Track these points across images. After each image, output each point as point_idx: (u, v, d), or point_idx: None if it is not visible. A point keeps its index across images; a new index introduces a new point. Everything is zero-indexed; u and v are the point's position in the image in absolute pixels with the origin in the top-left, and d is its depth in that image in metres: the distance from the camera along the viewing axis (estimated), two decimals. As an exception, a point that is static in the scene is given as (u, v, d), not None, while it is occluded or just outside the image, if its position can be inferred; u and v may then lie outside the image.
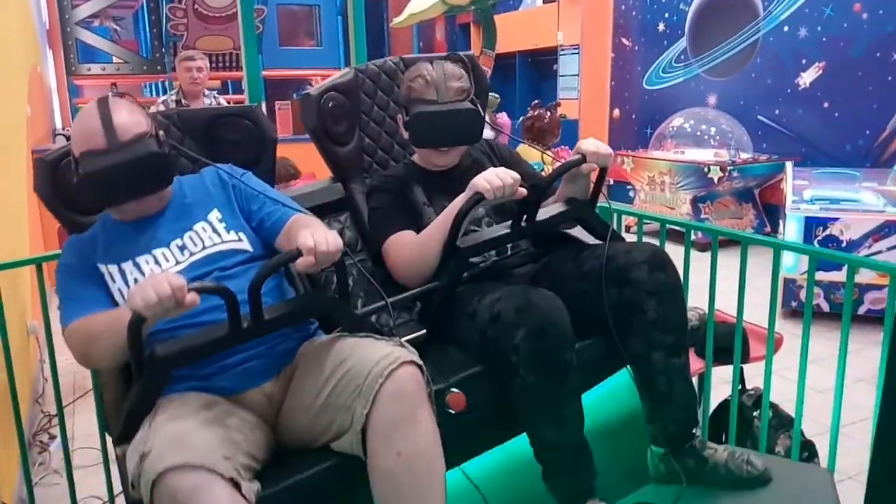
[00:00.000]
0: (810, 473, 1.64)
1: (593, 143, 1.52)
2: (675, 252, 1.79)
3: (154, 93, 7.92)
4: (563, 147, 5.05)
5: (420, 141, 1.67)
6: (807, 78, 5.29)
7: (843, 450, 1.69)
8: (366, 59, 2.71)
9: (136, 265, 1.40)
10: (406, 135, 1.71)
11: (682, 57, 6.35)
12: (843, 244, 3.65)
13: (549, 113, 4.02)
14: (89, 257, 1.42)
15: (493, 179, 1.41)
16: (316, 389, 1.30)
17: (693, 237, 2.02)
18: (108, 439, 2.03)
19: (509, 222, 1.53)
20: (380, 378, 1.20)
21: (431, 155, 1.71)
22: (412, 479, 1.20)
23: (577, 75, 6.92)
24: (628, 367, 1.54)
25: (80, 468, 2.30)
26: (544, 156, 3.53)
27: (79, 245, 1.45)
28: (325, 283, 1.64)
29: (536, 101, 4.21)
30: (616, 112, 7.09)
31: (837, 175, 4.26)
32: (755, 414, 1.86)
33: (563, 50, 7.07)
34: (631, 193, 6.14)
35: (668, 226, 2.08)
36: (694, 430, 1.52)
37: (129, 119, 1.37)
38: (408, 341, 1.39)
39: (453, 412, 1.36)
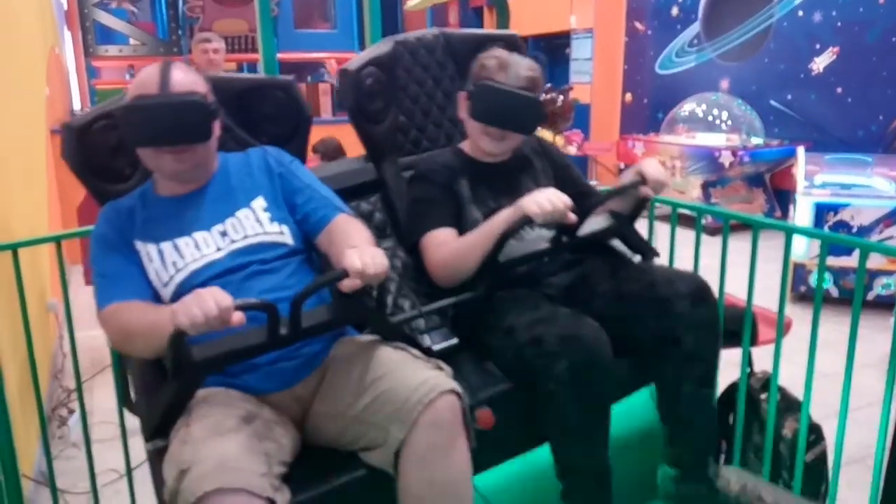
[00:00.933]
0: None
1: (655, 169, 1.48)
2: (685, 236, 1.81)
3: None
4: (575, 130, 5.03)
5: (481, 115, 1.60)
6: (820, 63, 5.24)
7: (849, 434, 1.70)
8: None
9: (176, 248, 1.38)
10: (462, 113, 1.66)
11: (696, 41, 6.30)
12: (854, 230, 3.64)
13: (561, 97, 4.01)
14: (126, 231, 1.40)
15: (544, 204, 1.37)
16: (348, 399, 1.29)
17: (703, 221, 2.03)
18: (126, 414, 2.07)
19: (550, 235, 1.50)
20: (419, 405, 1.20)
21: (484, 140, 1.65)
22: None
23: (590, 59, 6.87)
24: (651, 386, 1.55)
25: (99, 442, 2.34)
26: (556, 138, 3.52)
27: (116, 216, 1.42)
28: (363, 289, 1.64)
29: (549, 85, 4.19)
30: (628, 96, 7.05)
31: (849, 160, 4.24)
32: (763, 397, 1.88)
33: (576, 34, 7.02)
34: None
35: (679, 209, 2.09)
36: (710, 457, 1.53)
37: (185, 78, 1.37)
38: (439, 350, 1.40)
39: (480, 428, 1.35)
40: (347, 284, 1.20)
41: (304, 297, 1.19)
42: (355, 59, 1.78)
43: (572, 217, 1.39)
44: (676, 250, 2.05)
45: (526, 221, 1.39)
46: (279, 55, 5.58)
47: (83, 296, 3.37)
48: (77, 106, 6.31)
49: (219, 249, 1.38)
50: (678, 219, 2.05)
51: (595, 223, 1.56)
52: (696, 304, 1.44)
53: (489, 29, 5.35)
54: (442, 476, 1.20)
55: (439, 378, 1.25)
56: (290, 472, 1.22)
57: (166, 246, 1.38)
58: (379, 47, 1.81)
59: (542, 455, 1.48)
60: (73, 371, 1.92)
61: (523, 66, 1.62)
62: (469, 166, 1.69)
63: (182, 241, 1.38)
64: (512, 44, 1.90)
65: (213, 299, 1.08)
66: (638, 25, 6.88)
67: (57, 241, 1.91)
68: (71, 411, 2.59)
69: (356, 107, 1.74)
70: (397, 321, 1.46)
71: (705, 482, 1.51)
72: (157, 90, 1.32)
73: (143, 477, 2.17)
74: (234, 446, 1.13)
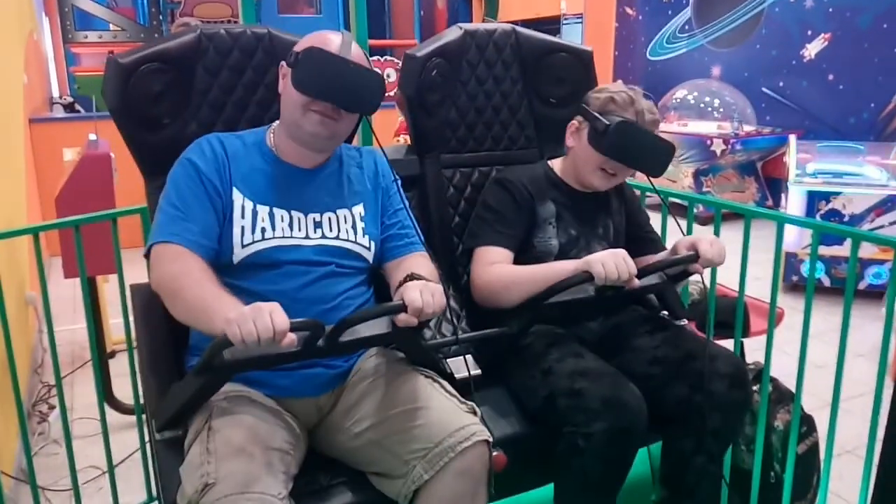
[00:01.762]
0: None
1: (711, 249, 1.41)
2: (677, 225, 1.77)
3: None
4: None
5: (613, 151, 1.52)
6: (812, 49, 5.23)
7: (841, 424, 1.69)
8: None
9: (271, 215, 1.33)
10: (574, 140, 1.60)
11: (687, 27, 6.26)
12: (846, 218, 3.64)
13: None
14: (227, 173, 1.33)
15: (611, 268, 1.32)
16: (370, 422, 1.27)
17: (695, 210, 2.01)
18: (108, 409, 2.04)
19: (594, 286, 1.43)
20: (451, 452, 1.18)
21: (596, 175, 1.58)
22: None
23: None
24: (648, 448, 1.57)
25: (80, 438, 2.31)
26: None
27: (221, 151, 1.35)
28: None
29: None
30: (619, 83, 7.01)
31: (841, 149, 4.23)
32: (755, 388, 1.86)
33: (565, 19, 6.96)
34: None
35: (670, 199, 2.06)
36: None
37: (360, 52, 1.37)
38: (462, 379, 1.37)
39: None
40: (403, 319, 1.17)
41: (357, 320, 1.16)
42: (422, 46, 1.74)
43: (636, 283, 1.36)
44: (667, 240, 2.02)
45: (588, 279, 1.36)
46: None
47: (62, 289, 3.33)
48: (56, 93, 6.22)
49: (307, 238, 1.35)
50: (669, 208, 2.02)
51: (644, 281, 1.52)
52: (732, 386, 1.43)
53: (496, 21, 5.29)
54: None
55: (475, 426, 1.22)
56: (296, 479, 1.21)
57: (262, 209, 1.33)
58: (448, 35, 1.76)
59: (539, 497, 1.47)
60: (52, 366, 1.87)
61: (647, 108, 1.58)
62: (558, 188, 1.65)
63: (279, 213, 1.34)
64: (587, 60, 1.92)
65: (272, 318, 1.03)
66: (628, 11, 6.83)
67: (35, 232, 1.87)
68: (51, 407, 2.55)
69: (416, 96, 1.69)
70: (432, 346, 1.43)
71: None
72: (337, 49, 1.31)
73: (126, 473, 2.15)
74: (258, 468, 1.11)
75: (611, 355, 1.50)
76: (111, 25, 6.93)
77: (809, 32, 5.21)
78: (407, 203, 1.49)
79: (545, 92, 1.89)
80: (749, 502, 1.80)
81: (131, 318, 1.89)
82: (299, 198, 1.37)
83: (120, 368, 2.45)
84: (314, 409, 1.34)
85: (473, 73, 1.79)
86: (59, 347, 1.87)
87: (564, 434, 1.34)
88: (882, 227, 3.61)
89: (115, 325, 2.93)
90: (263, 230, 1.32)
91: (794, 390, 1.76)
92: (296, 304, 1.20)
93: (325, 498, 1.23)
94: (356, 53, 1.34)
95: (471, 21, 8.21)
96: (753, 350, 1.94)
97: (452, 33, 1.76)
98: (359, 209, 1.42)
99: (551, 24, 7.23)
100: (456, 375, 1.42)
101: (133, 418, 2.29)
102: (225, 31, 1.52)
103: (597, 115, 1.55)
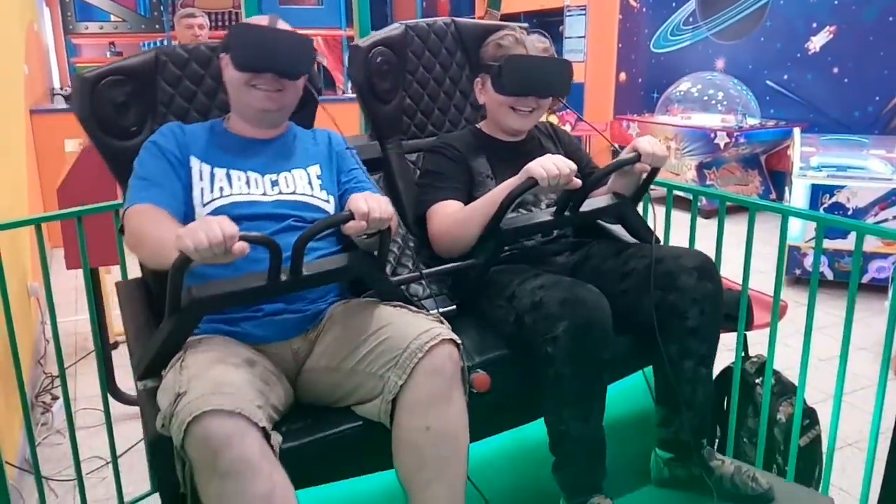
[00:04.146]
0: (813, 499, 1.63)
1: (650, 143, 1.48)
2: (680, 218, 1.78)
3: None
4: (568, 111, 4.95)
5: (513, 87, 1.63)
6: (817, 42, 5.20)
7: (843, 417, 1.69)
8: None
9: (228, 176, 1.42)
10: (482, 96, 1.72)
11: (691, 19, 6.23)
12: (850, 212, 3.62)
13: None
14: (185, 147, 1.44)
15: (550, 167, 1.36)
16: (345, 352, 1.31)
17: (699, 203, 2.00)
18: (111, 400, 2.04)
19: (553, 209, 1.50)
20: (419, 353, 1.21)
21: (511, 117, 1.67)
22: (437, 455, 1.21)
23: (584, 37, 6.79)
24: (643, 371, 1.54)
25: (83, 428, 2.32)
26: (550, 118, 3.48)
27: (179, 131, 1.47)
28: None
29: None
30: (623, 76, 6.98)
31: (845, 142, 4.21)
32: (757, 381, 1.86)
33: (569, 11, 6.93)
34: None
35: (674, 192, 2.05)
36: (704, 440, 1.52)
37: (288, 25, 1.49)
38: (434, 315, 1.37)
39: (476, 391, 1.35)
40: (353, 226, 1.20)
41: (307, 238, 1.18)
42: (366, 38, 1.85)
43: (577, 182, 1.39)
44: (671, 234, 2.01)
45: (531, 185, 1.39)
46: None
47: (65, 280, 3.33)
48: (57, 84, 6.21)
49: (265, 194, 1.42)
50: (673, 201, 2.02)
51: (598, 202, 1.57)
52: (701, 277, 1.44)
53: (500, 12, 5.28)
54: (439, 424, 1.21)
55: (440, 328, 1.26)
56: (281, 422, 1.23)
57: (219, 171, 1.43)
58: (389, 29, 1.87)
59: (533, 432, 1.47)
60: (55, 357, 1.88)
61: (536, 39, 1.69)
62: (488, 144, 1.72)
63: (235, 174, 1.43)
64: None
65: (219, 225, 1.07)
66: (632, 2, 6.80)
67: (37, 223, 1.87)
68: (55, 398, 2.56)
69: (366, 83, 1.79)
70: (398, 282, 1.48)
71: (700, 464, 1.49)
72: (266, 22, 1.44)
73: (129, 463, 2.16)
74: (234, 376, 1.14)
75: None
76: (112, 16, 6.90)
77: (814, 25, 5.18)
78: (364, 169, 1.59)
79: None
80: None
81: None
82: (254, 161, 1.46)
83: (123, 359, 2.44)
84: (290, 354, 1.37)
85: (419, 63, 1.90)
86: (61, 338, 1.88)
87: (535, 348, 1.35)
88: (886, 220, 3.59)
89: (118, 316, 2.92)
90: (221, 189, 1.40)
91: (796, 383, 1.76)
92: (263, 261, 1.23)
93: (311, 429, 1.26)
94: (283, 25, 1.47)
95: (473, 13, 8.19)
96: (756, 343, 1.94)
97: (393, 28, 1.88)
98: (314, 169, 1.51)
99: (555, 15, 7.20)
100: (429, 311, 1.45)
101: (136, 409, 2.30)
102: (181, 49, 1.66)
103: (490, 63, 1.66)
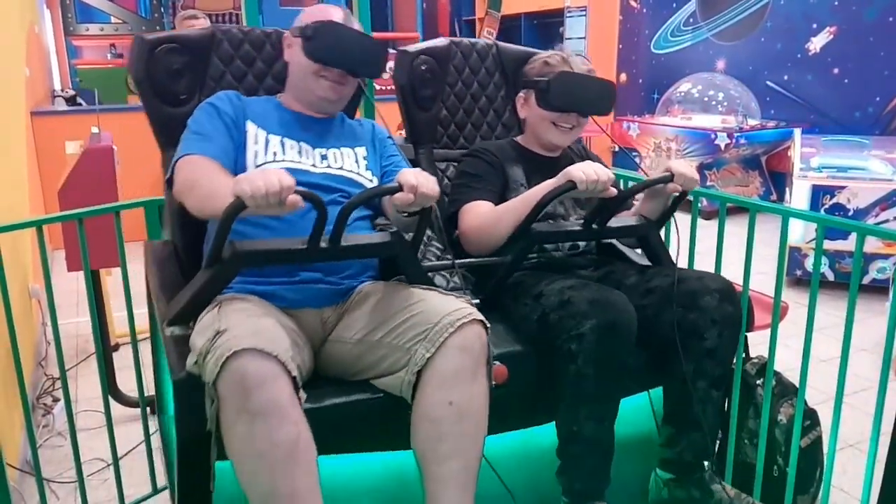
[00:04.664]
0: None
1: (683, 166, 1.53)
2: (680, 220, 1.77)
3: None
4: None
5: (560, 103, 1.68)
6: (817, 43, 5.20)
7: (844, 418, 1.69)
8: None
9: (282, 143, 1.49)
10: (524, 111, 1.78)
11: (691, 20, 6.24)
12: (850, 213, 3.62)
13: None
14: (242, 111, 1.50)
15: (590, 172, 1.40)
16: (374, 325, 1.33)
17: (699, 205, 2.00)
18: (112, 402, 2.04)
19: (582, 220, 1.53)
20: (450, 328, 1.22)
21: (552, 132, 1.73)
22: (458, 431, 1.22)
23: (584, 38, 6.80)
24: (648, 392, 1.57)
25: (84, 430, 2.31)
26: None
27: (237, 98, 1.54)
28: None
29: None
30: (623, 76, 6.99)
31: (846, 143, 4.21)
32: (758, 382, 1.86)
33: (569, 12, 6.93)
34: (637, 160, 6.08)
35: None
36: (706, 463, 1.52)
37: (361, 27, 1.57)
38: None
39: (493, 383, 1.35)
40: (400, 197, 1.23)
41: (354, 205, 1.22)
42: (413, 45, 1.95)
43: (612, 191, 1.43)
44: (670, 235, 2.01)
45: (569, 188, 1.41)
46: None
47: (66, 282, 3.33)
48: (58, 86, 6.21)
49: (314, 166, 1.49)
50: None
51: (625, 220, 1.61)
52: (723, 300, 1.46)
53: (499, 14, 5.30)
54: (463, 400, 1.22)
55: (470, 308, 1.28)
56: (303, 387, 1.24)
57: (274, 138, 1.49)
58: (435, 41, 1.96)
59: (538, 437, 1.48)
60: (56, 359, 1.88)
61: (580, 61, 1.76)
62: (524, 156, 1.78)
63: (288, 142, 1.50)
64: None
65: (277, 176, 1.09)
66: (632, 3, 6.80)
67: (38, 225, 1.87)
68: (56, 399, 2.56)
69: (409, 87, 1.87)
70: (429, 268, 1.53)
71: (700, 487, 1.49)
72: (343, 19, 1.51)
73: (130, 465, 2.16)
74: (270, 325, 1.17)
75: None
76: (112, 18, 6.91)
77: (815, 26, 5.18)
78: (405, 157, 1.66)
79: None
80: (752, 496, 1.79)
81: (135, 308, 1.91)
82: (308, 135, 1.53)
83: (124, 361, 2.46)
84: (318, 322, 1.40)
85: (459, 78, 1.99)
86: (62, 340, 1.87)
87: (558, 346, 1.36)
88: (887, 221, 3.59)
89: (119, 319, 2.93)
90: (275, 154, 1.46)
91: (797, 384, 1.76)
92: (301, 230, 1.27)
93: (333, 396, 1.28)
94: (357, 26, 1.55)
95: (473, 13, 8.20)
96: (757, 344, 1.94)
97: (439, 41, 1.97)
98: (361, 150, 1.59)
99: (555, 16, 7.20)
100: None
101: (137, 411, 2.30)
102: (237, 29, 1.73)
103: (536, 79, 1.72)
